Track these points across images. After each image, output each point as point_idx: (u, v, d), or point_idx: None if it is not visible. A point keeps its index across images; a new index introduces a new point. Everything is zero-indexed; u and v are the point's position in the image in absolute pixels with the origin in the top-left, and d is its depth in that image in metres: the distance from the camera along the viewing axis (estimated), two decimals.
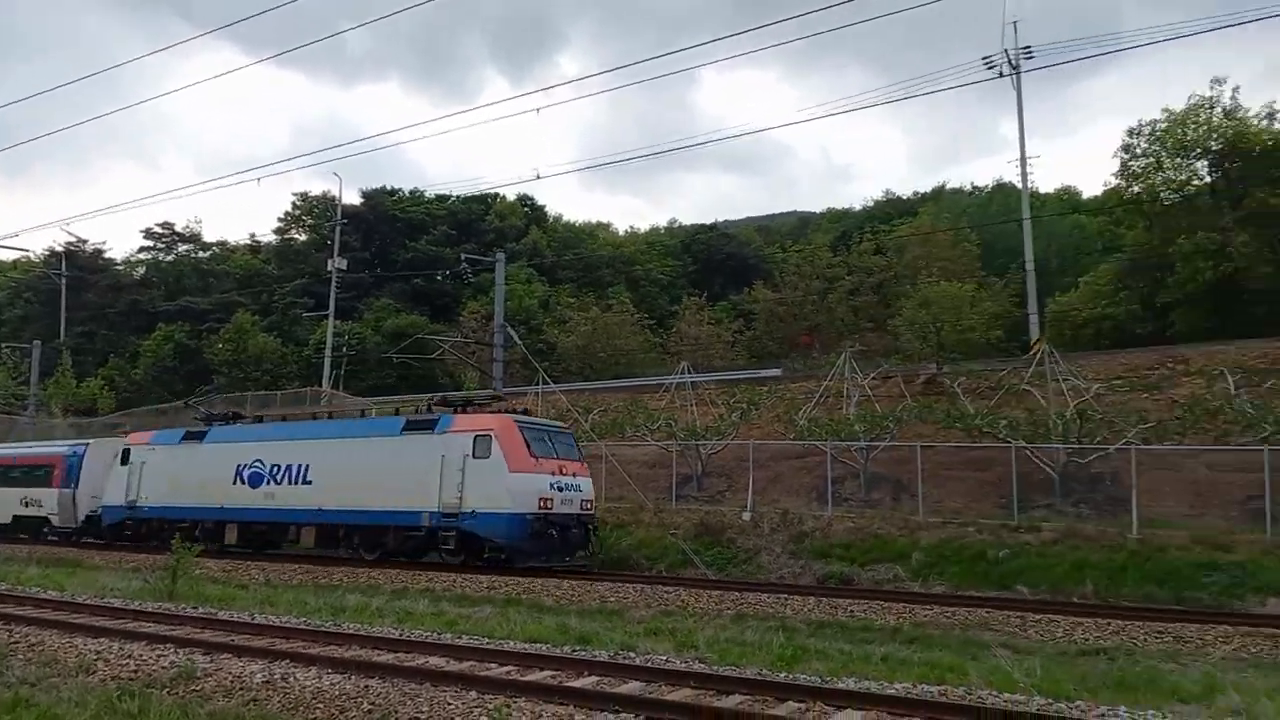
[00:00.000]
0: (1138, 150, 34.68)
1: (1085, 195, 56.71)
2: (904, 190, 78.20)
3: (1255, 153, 32.04)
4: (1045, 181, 67.46)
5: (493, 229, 67.21)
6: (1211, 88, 34.22)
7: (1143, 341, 33.04)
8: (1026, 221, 33.09)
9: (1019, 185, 36.46)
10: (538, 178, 64.23)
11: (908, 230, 45.42)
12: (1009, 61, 31.14)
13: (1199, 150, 33.31)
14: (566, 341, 46.62)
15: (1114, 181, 37.01)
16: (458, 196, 68.80)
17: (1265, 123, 32.72)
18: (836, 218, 75.23)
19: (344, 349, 42.61)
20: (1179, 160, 33.95)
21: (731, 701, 8.14)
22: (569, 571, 19.45)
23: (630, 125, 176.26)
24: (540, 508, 18.52)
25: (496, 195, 71.41)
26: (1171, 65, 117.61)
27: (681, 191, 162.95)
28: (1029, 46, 32.55)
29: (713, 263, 68.04)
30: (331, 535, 21.47)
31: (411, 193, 70.61)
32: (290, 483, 21.68)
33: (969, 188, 71.31)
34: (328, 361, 36.54)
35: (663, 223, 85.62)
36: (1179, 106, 34.34)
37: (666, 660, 10.10)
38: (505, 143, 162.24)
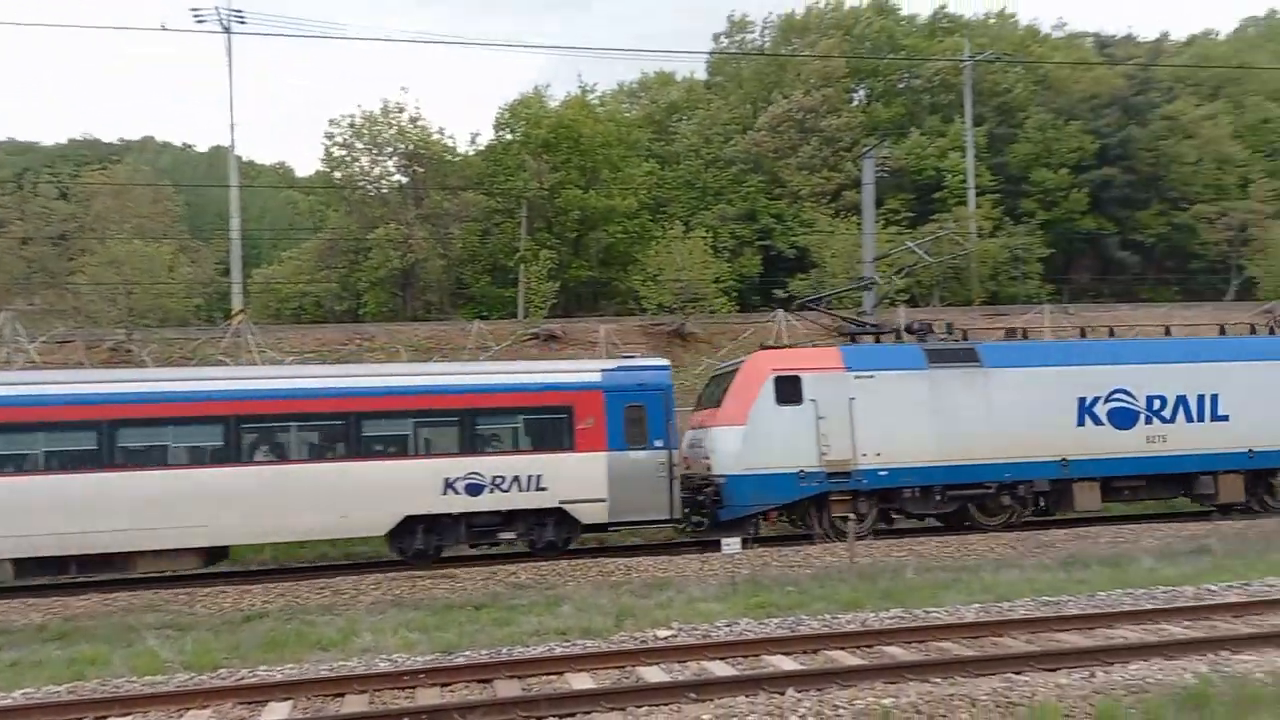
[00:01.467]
0: (339, 140, 37.13)
1: (300, 173, 58.48)
2: (108, 135, 70.13)
3: (434, 160, 37.21)
4: (265, 153, 67.62)
5: None
6: (401, 93, 38.65)
7: (339, 319, 35.82)
8: (234, 190, 32.57)
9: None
10: None
11: (101, 179, 40.48)
12: (220, 21, 30.11)
13: (391, 149, 37.23)
14: None
15: (321, 165, 38.97)
16: None
17: (439, 136, 38.25)
18: (19, 150, 63.19)
19: None
20: (374, 155, 37.44)
21: None
22: None
23: None
24: None
25: None
26: (378, 64, 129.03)
27: None
28: (241, 10, 31.89)
29: None
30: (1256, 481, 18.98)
31: None
32: (1192, 420, 18.60)
33: (180, 144, 67.37)
34: None
35: None
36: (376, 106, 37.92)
37: None
38: None
